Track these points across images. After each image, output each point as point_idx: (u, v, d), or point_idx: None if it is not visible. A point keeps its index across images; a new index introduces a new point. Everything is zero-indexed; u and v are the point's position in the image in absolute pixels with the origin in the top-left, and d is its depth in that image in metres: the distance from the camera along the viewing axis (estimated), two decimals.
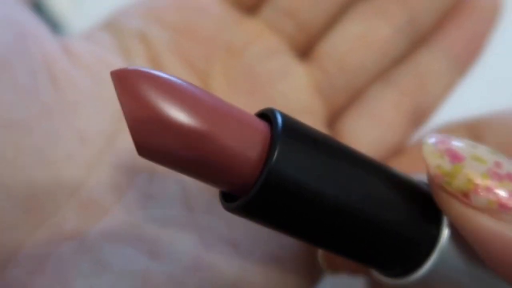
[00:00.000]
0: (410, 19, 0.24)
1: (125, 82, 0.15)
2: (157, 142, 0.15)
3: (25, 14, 0.21)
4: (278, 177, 0.16)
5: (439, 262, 0.18)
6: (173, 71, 0.22)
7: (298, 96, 0.23)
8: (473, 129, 0.23)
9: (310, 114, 0.23)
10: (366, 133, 0.24)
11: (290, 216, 0.16)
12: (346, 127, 0.24)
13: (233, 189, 0.16)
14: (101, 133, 0.20)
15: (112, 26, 0.23)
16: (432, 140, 0.17)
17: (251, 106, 0.23)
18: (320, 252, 0.21)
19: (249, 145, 0.16)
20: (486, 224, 0.16)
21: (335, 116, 0.24)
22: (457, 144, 0.17)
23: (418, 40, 0.25)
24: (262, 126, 0.16)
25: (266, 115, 0.17)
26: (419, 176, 0.19)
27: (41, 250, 0.18)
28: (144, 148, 0.15)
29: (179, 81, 0.15)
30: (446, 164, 0.17)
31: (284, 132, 0.16)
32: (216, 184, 0.16)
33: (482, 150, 0.17)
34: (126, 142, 0.20)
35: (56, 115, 0.19)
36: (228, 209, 0.17)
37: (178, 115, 0.15)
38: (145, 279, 0.19)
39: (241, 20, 0.24)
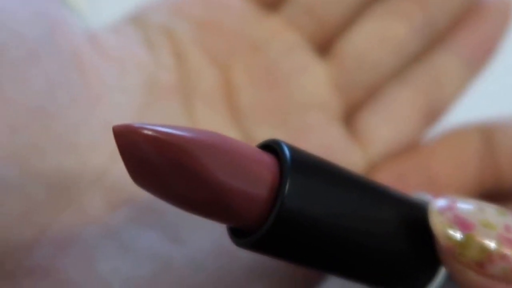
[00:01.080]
0: (426, 20, 0.25)
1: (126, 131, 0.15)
2: (159, 182, 0.15)
3: (55, 5, 0.21)
4: (289, 212, 0.15)
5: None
6: (196, 65, 0.23)
7: (316, 91, 0.24)
8: (485, 132, 0.24)
9: (327, 109, 0.24)
10: (381, 130, 0.24)
11: (302, 249, 0.16)
12: (362, 124, 0.24)
13: (242, 225, 0.16)
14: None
15: (137, 20, 0.23)
16: (438, 206, 0.17)
17: (271, 101, 0.23)
18: None
19: (257, 181, 0.15)
20: None
21: (351, 113, 0.25)
22: (465, 208, 0.17)
23: (433, 40, 0.26)
24: (269, 160, 0.16)
25: (271, 146, 0.16)
26: (420, 195, 0.19)
27: (66, 233, 0.19)
28: (144, 184, 0.15)
29: (184, 128, 0.15)
30: (457, 235, 0.17)
31: (292, 165, 0.16)
32: (224, 221, 0.16)
33: (490, 213, 0.17)
34: None
35: (83, 105, 0.20)
36: (239, 244, 0.16)
37: (183, 156, 0.15)
38: (166, 263, 0.20)
39: (262, 16, 0.25)
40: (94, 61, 0.21)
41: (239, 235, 0.16)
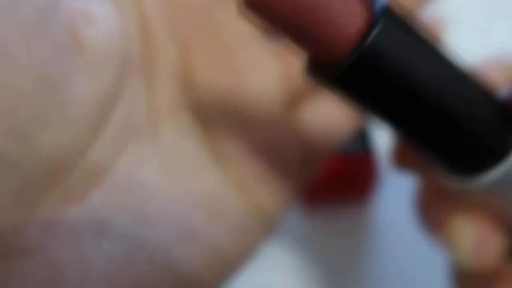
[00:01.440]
0: None
1: None
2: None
3: None
4: (373, 53, 0.16)
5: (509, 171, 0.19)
6: (159, 39, 0.22)
7: (266, 86, 0.24)
8: None
9: (274, 104, 0.24)
10: (325, 118, 0.25)
11: (377, 95, 0.17)
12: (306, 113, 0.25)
13: (325, 59, 0.17)
14: (100, 97, 0.19)
15: None
16: None
17: (223, 89, 0.23)
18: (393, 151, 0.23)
19: (350, 17, 0.16)
20: None
21: (295, 102, 0.25)
22: None
23: None
24: (363, 5, 0.17)
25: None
26: None
27: (53, 212, 0.18)
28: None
29: None
30: None
31: (385, 13, 0.17)
32: (310, 49, 0.17)
33: None
34: (124, 109, 0.20)
35: (80, 74, 0.18)
36: (315, 80, 0.17)
37: None
38: (138, 245, 0.20)
39: None
40: (87, 27, 0.19)
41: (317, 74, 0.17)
